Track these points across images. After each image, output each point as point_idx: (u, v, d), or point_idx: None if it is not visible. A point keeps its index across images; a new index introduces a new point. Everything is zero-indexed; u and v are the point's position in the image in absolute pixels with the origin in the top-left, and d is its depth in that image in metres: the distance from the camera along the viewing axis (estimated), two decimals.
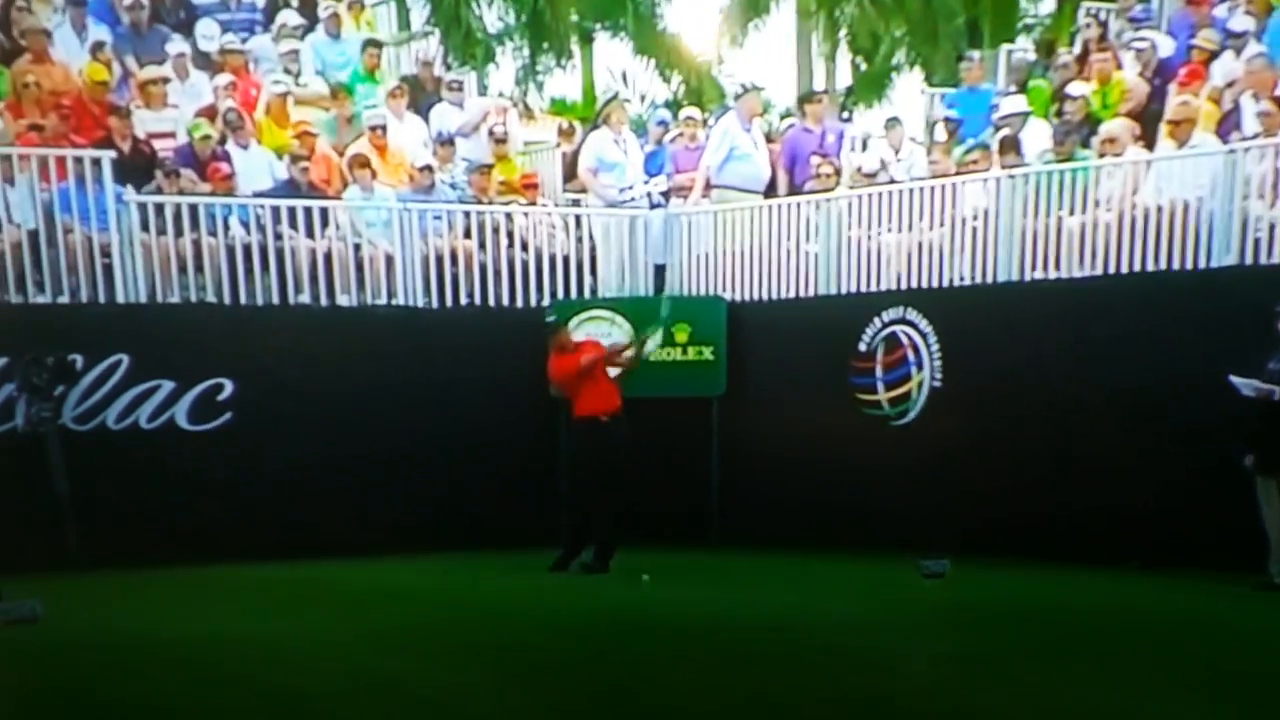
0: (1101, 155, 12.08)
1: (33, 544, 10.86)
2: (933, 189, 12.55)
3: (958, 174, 12.81)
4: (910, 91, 26.49)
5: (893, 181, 13.33)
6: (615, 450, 11.04)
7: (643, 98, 28.92)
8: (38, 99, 12.95)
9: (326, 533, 11.95)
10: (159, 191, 12.51)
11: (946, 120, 14.04)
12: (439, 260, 13.14)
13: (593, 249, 13.93)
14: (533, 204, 13.97)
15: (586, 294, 13.68)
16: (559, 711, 6.64)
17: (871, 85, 28.28)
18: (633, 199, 14.42)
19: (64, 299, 11.85)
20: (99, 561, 11.00)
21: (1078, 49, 14.27)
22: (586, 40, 28.56)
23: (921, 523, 11.76)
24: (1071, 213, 11.81)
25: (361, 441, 12.31)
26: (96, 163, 12.06)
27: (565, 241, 13.79)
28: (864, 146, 14.79)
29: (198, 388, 11.94)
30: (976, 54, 15.88)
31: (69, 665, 7.47)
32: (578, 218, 14.04)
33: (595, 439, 11.09)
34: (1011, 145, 12.70)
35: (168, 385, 11.85)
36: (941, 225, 12.42)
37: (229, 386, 12.02)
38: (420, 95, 15.23)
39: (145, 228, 12.15)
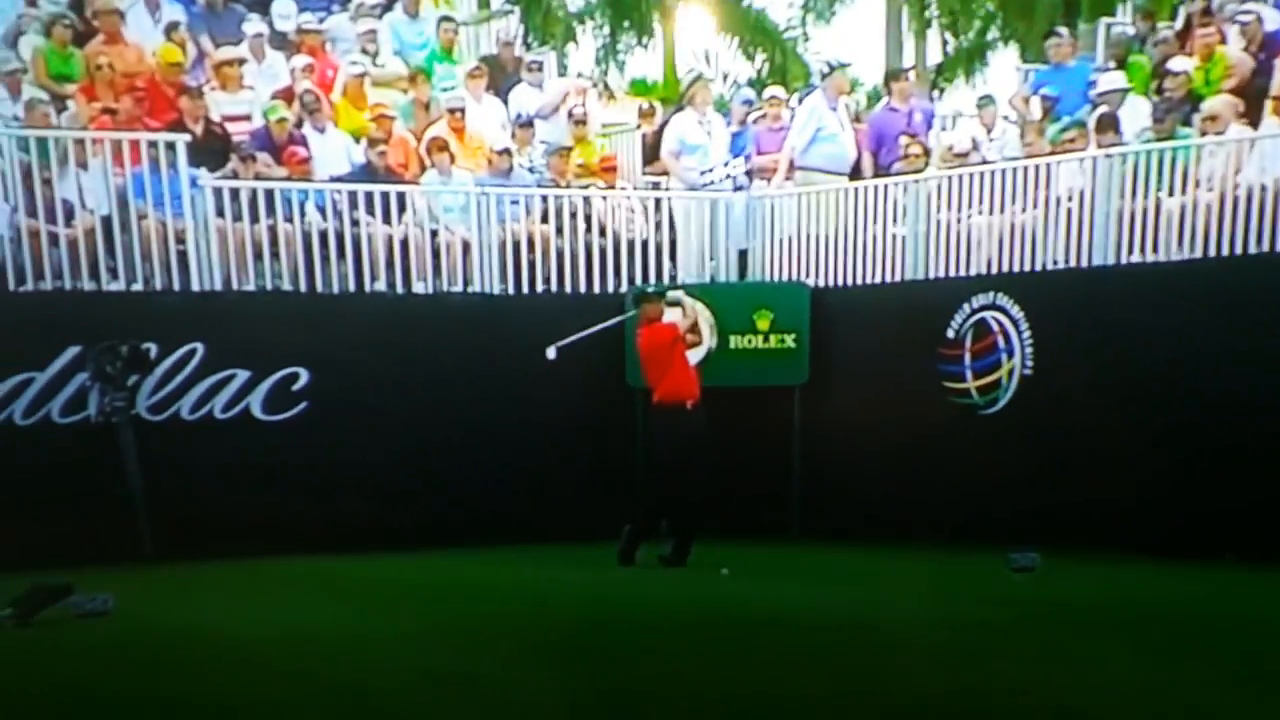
0: (1203, 133, 11.77)
1: (105, 536, 10.97)
2: (1026, 169, 12.31)
3: (1052, 154, 12.56)
4: (1004, 68, 26.17)
5: (984, 162, 13.07)
6: (695, 439, 10.88)
7: (725, 77, 28.80)
8: (111, 81, 13.01)
9: (399, 525, 12.02)
10: (234, 176, 12.50)
11: (1042, 98, 13.73)
12: (515, 246, 13.04)
13: (673, 234, 13.76)
14: (611, 187, 13.85)
15: (665, 280, 13.42)
16: (630, 709, 6.54)
17: (963, 62, 27.83)
18: (712, 182, 14.24)
19: (138, 286, 11.83)
20: (172, 554, 11.13)
21: (1180, 23, 13.97)
22: (668, 18, 28.15)
23: (1010, 515, 11.55)
24: (1171, 193, 11.51)
25: (435, 432, 12.31)
26: (171, 146, 12.01)
27: (644, 226, 13.64)
28: (954, 126, 14.54)
29: (273, 377, 11.93)
30: (1065, 31, 15.47)
31: (137, 660, 7.47)
32: (657, 201, 13.87)
33: (676, 426, 10.93)
34: (1109, 123, 12.40)
35: (242, 375, 11.85)
36: (1035, 207, 12.19)
37: (304, 376, 12.00)
38: (500, 76, 15.16)
39: (220, 213, 12.11)
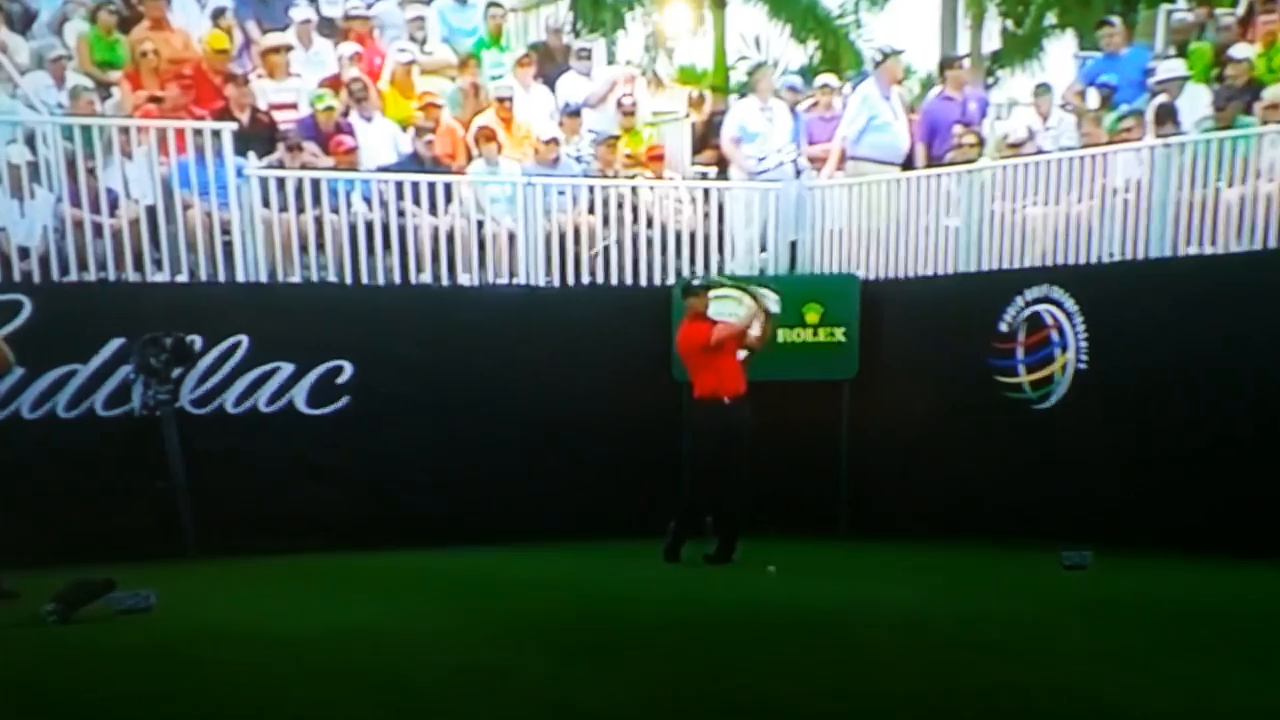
0: (1265, 122, 11.59)
1: (148, 531, 11.05)
2: (1082, 159, 12.18)
3: (1109, 143, 12.39)
4: (1061, 56, 25.88)
5: (1040, 152, 12.93)
6: (738, 436, 10.80)
7: (776, 63, 28.38)
8: (156, 68, 12.98)
9: (442, 520, 12.05)
10: (280, 165, 12.43)
11: (1099, 87, 13.56)
12: (561, 237, 12.99)
13: (721, 225, 13.68)
14: (659, 177, 13.75)
15: (714, 272, 13.29)
16: (674, 708, 6.50)
17: (1019, 50, 27.58)
18: (765, 170, 14.11)
19: (182, 278, 11.81)
20: (215, 549, 11.16)
21: (1242, 9, 13.75)
22: (719, 4, 28.09)
23: (1062, 512, 11.48)
24: (1230, 184, 11.35)
25: (479, 426, 12.27)
26: (217, 135, 11.96)
27: (692, 217, 13.56)
28: (1008, 115, 14.41)
29: (317, 370, 11.91)
30: (1117, 20, 15.28)
31: (179, 657, 7.47)
32: (705, 191, 13.76)
33: (717, 423, 10.84)
34: (1168, 112, 12.25)
35: (287, 368, 11.83)
36: (1091, 198, 12.05)
37: (348, 369, 11.98)
38: (549, 64, 15.09)
39: (266, 204, 12.09)
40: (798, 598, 9.32)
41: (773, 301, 11.03)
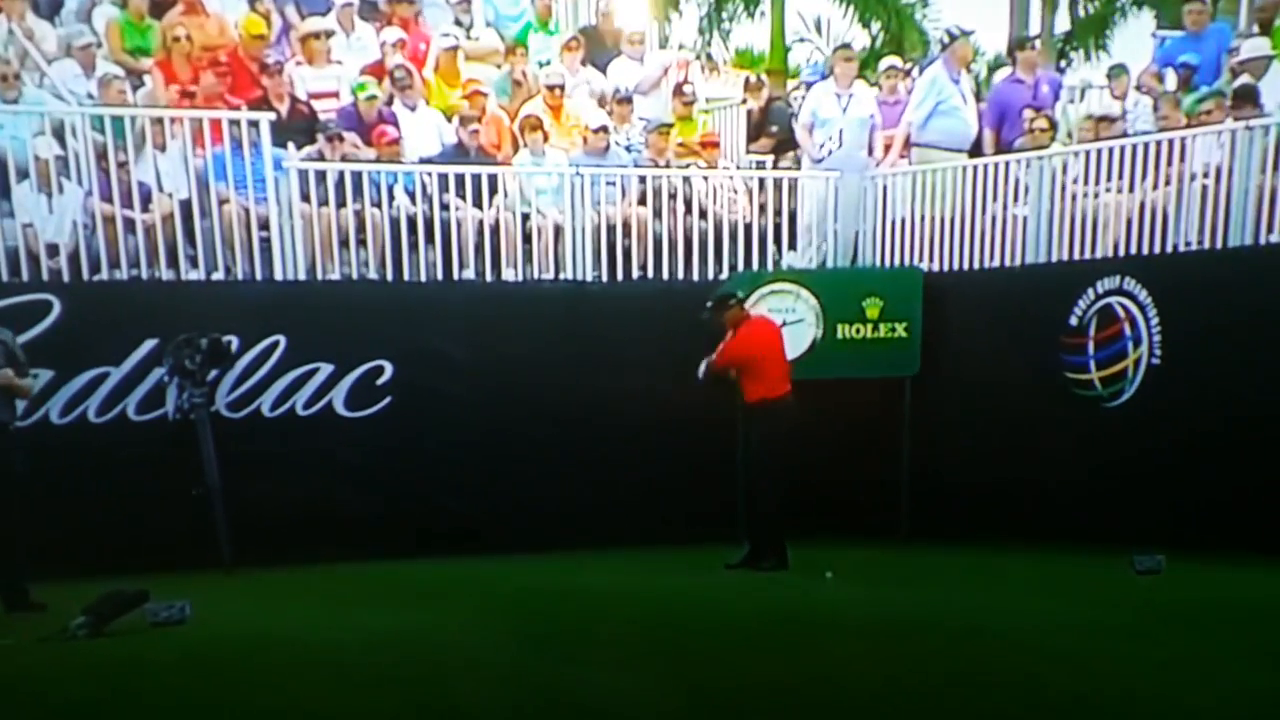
0: None
1: (183, 539, 11.01)
2: (1159, 143, 11.94)
3: (1188, 127, 12.18)
4: (1137, 36, 25.55)
5: (1125, 135, 12.71)
6: (787, 437, 10.74)
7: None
8: (189, 55, 12.94)
9: (489, 526, 12.04)
10: (320, 157, 12.39)
11: (1178, 67, 13.37)
12: (610, 230, 12.89)
13: (778, 216, 13.52)
14: (713, 167, 13.63)
15: (770, 265, 13.30)
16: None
17: (1092, 29, 27.21)
18: (824, 157, 13.93)
19: (218, 276, 11.80)
20: (252, 557, 11.12)
21: None
22: None
23: (1135, 514, 11.36)
24: None
25: (527, 429, 12.25)
26: (254, 125, 11.94)
27: (748, 208, 13.42)
28: (1081, 98, 14.18)
29: (357, 371, 11.89)
30: None
31: (214, 669, 7.42)
32: (760, 181, 13.60)
33: (774, 424, 10.76)
34: (1250, 94, 12.01)
35: (326, 369, 11.82)
36: (1167, 184, 11.86)
37: (389, 369, 11.94)
38: (598, 49, 15.04)
39: (305, 197, 12.06)
40: (858, 604, 9.25)
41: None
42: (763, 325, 11.10)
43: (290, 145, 12.30)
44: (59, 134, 11.59)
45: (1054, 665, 7.26)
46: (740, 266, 13.18)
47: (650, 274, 13.10)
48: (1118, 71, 14.10)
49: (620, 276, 12.98)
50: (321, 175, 12.18)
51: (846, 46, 15.55)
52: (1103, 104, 13.67)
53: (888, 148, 14.00)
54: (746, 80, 16.37)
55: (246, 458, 11.39)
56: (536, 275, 12.77)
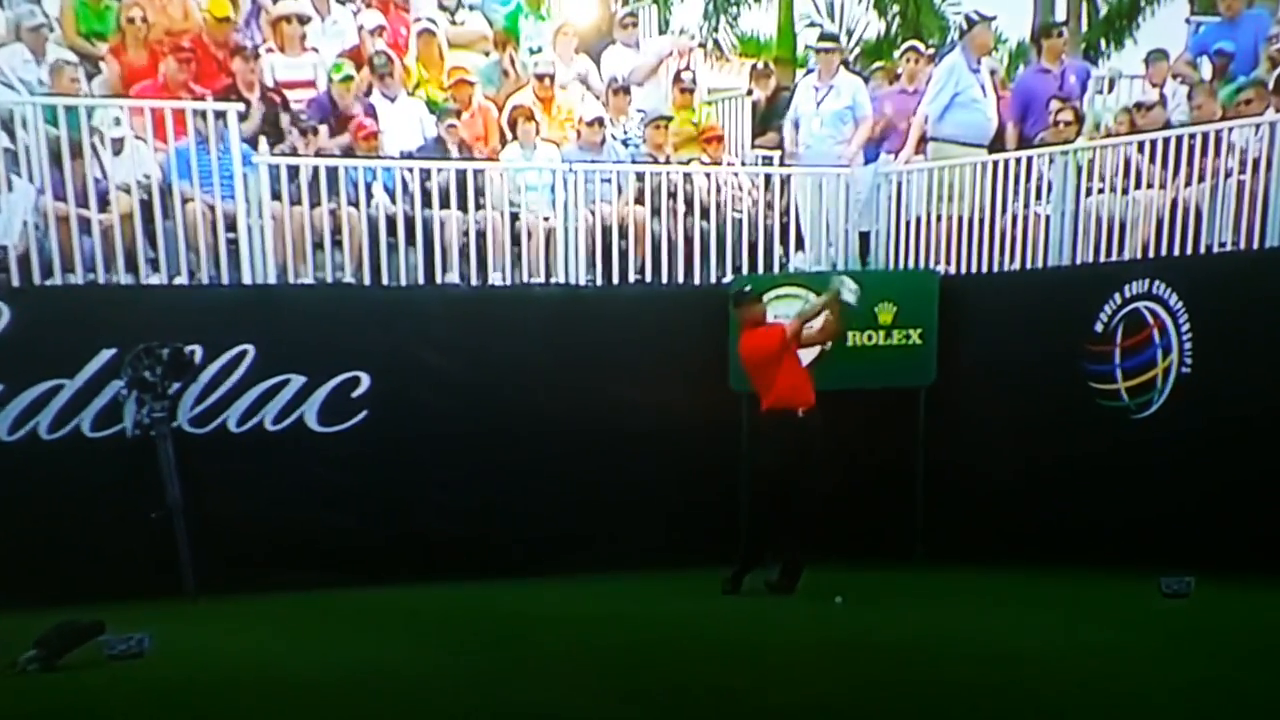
0: None
1: (142, 565, 10.79)
2: (1192, 136, 11.80)
3: (1224, 118, 12.03)
4: (1169, 22, 25.43)
5: (1168, 125, 12.58)
6: (811, 452, 10.55)
7: (850, 33, 28.09)
8: (146, 39, 12.69)
9: (475, 549, 11.85)
10: (293, 152, 12.19)
11: (1213, 54, 13.26)
12: (605, 230, 12.73)
13: (785, 216, 13.44)
14: (716, 162, 13.46)
15: (777, 268, 13.18)
16: None
17: (1122, 15, 27.10)
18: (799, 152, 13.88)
19: (181, 280, 11.58)
20: (217, 584, 10.93)
21: None
22: None
23: (1163, 533, 11.11)
24: None
25: (516, 444, 12.03)
26: (221, 117, 11.72)
27: (753, 206, 13.28)
28: (1110, 89, 14.00)
29: (330, 383, 11.65)
30: None
31: (177, 707, 7.33)
32: (767, 178, 13.47)
33: (788, 437, 10.57)
34: None
35: (298, 380, 11.56)
36: (1200, 180, 11.71)
37: (365, 380, 11.71)
38: (594, 36, 15.02)
39: (276, 195, 11.84)
40: (869, 630, 9.24)
41: (849, 291, 10.62)
42: (751, 335, 10.91)
43: (260, 139, 12.03)
44: (7, 126, 11.35)
45: (1076, 691, 7.27)
46: (745, 269, 13.03)
47: (648, 278, 12.93)
48: (1157, 56, 13.95)
49: (616, 280, 12.81)
50: (294, 171, 11.94)
51: (828, 37, 15.49)
52: (1133, 95, 13.52)
53: (878, 140, 13.90)
54: (753, 68, 16.20)
55: (211, 477, 11.21)
56: (526, 279, 12.60)
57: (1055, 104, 13.22)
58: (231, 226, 11.79)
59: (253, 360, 11.47)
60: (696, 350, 12.04)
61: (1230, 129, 11.78)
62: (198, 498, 11.08)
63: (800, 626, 9.57)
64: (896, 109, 14.07)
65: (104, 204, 11.47)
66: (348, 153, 12.55)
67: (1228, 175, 11.65)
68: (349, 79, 12.89)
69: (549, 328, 12.29)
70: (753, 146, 14.48)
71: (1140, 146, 12.18)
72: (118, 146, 11.59)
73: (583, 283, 12.74)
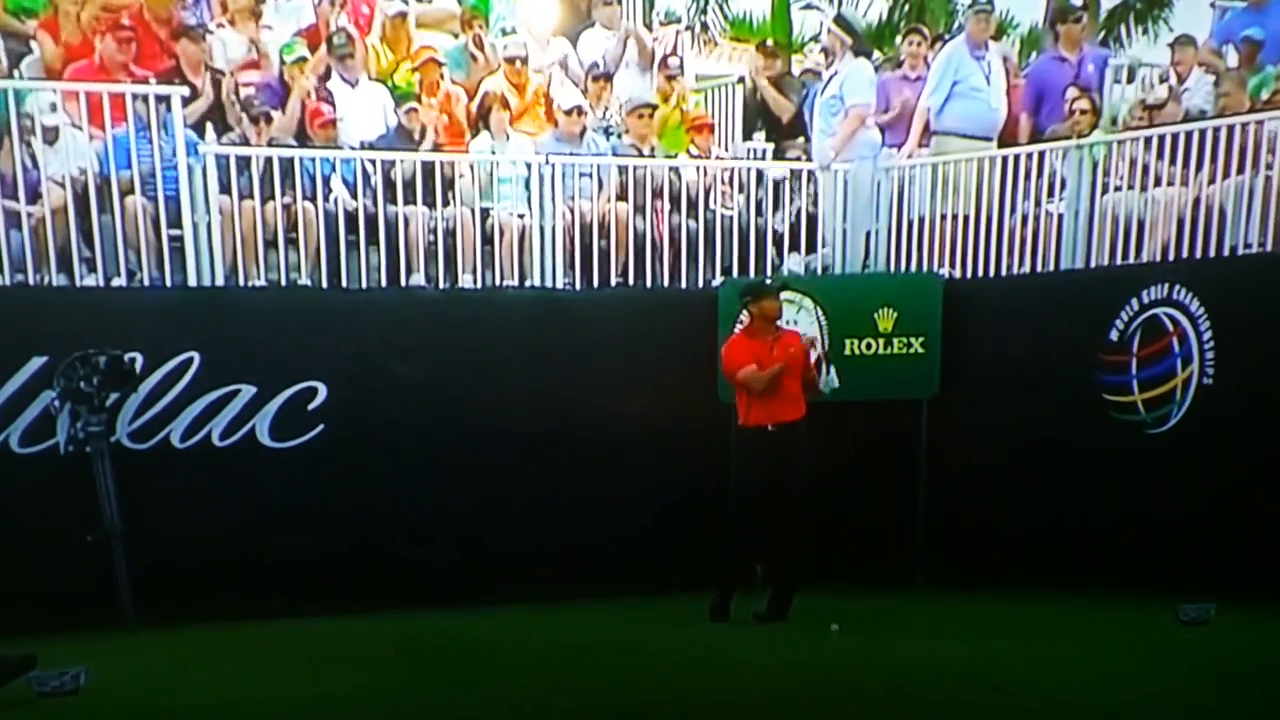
0: None
1: (77, 593, 10.64)
2: (1217, 129, 11.64)
3: (1252, 110, 11.84)
4: (1192, 7, 25.40)
5: (1189, 118, 12.44)
6: (789, 470, 10.50)
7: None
8: (81, 16, 12.38)
9: (442, 574, 11.77)
10: (244, 141, 12.00)
11: (1240, 42, 13.07)
12: (585, 229, 12.59)
13: (778, 213, 13.30)
14: (705, 155, 13.34)
15: (768, 271, 13.02)
16: None
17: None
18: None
19: (120, 281, 11.38)
20: (159, 613, 10.80)
21: None
22: None
23: (1180, 556, 11.03)
24: None
25: (487, 460, 11.94)
26: (164, 102, 11.47)
27: (745, 204, 13.15)
28: (1130, 78, 13.84)
29: (284, 394, 11.49)
30: None
31: None
32: (759, 173, 13.36)
33: (760, 454, 10.61)
34: None
35: (248, 391, 11.40)
36: (1225, 177, 11.54)
37: (322, 391, 11.56)
38: (573, 17, 14.91)
39: (225, 189, 11.65)
40: (868, 660, 9.24)
41: (826, 384, 10.80)
42: (731, 342, 10.89)
43: (207, 126, 11.87)
44: None
45: None
46: (735, 271, 12.90)
47: (631, 280, 12.79)
48: (1184, 42, 13.79)
49: (596, 283, 12.68)
50: (245, 162, 11.76)
51: (841, 22, 15.36)
52: (1155, 89, 13.33)
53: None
54: (759, 46, 16.04)
55: (153, 497, 11.03)
56: (499, 281, 12.44)
57: (1072, 91, 13.10)
58: (175, 223, 11.60)
59: (199, 369, 11.31)
60: (683, 360, 11.93)
61: (1260, 121, 11.55)
62: (138, 519, 10.90)
63: (793, 656, 9.52)
64: (897, 99, 13.88)
65: (34, 197, 11.23)
66: (303, 142, 12.27)
67: (1256, 171, 11.48)
68: (303, 60, 12.64)
69: (523, 335, 12.22)
70: (746, 139, 14.48)
71: (1161, 140, 12.01)
72: (50, 135, 11.28)
73: (560, 285, 12.64)
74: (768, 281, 11.21)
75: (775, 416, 10.56)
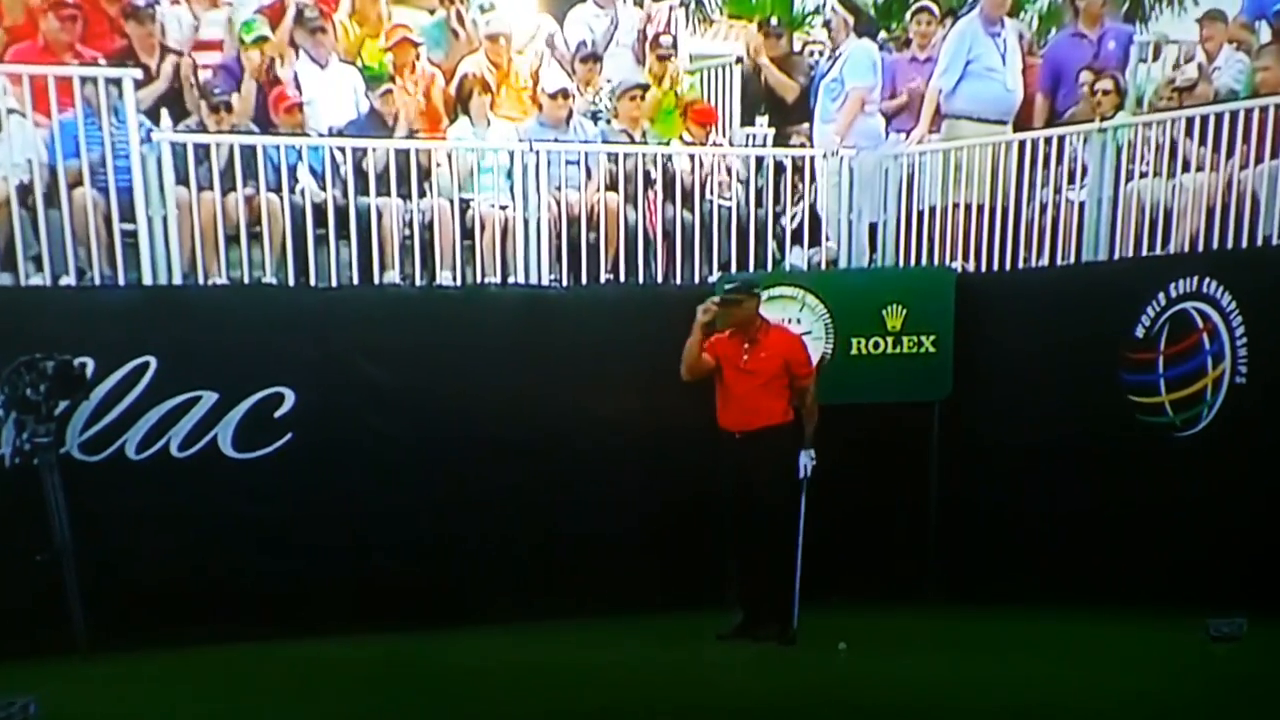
0: None
1: (25, 616, 10.48)
2: (1249, 111, 11.42)
3: None
4: None
5: (1218, 99, 12.26)
6: (750, 483, 10.66)
7: None
8: None
9: (420, 592, 11.59)
10: (202, 128, 11.78)
11: (1272, 16, 12.76)
12: (572, 222, 12.44)
13: (779, 204, 13.18)
14: (701, 142, 13.13)
15: (769, 265, 12.95)
16: None
17: None
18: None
19: (68, 280, 11.17)
20: (113, 638, 10.60)
21: None
22: None
23: (1210, 568, 10.91)
24: None
25: (467, 470, 11.74)
26: (116, 85, 11.25)
27: (744, 194, 13.02)
28: (1156, 56, 13.68)
29: (248, 401, 11.27)
30: None
31: None
32: (759, 161, 13.21)
33: (724, 459, 10.81)
34: None
35: (209, 398, 11.17)
36: (1259, 162, 11.34)
37: (290, 398, 11.34)
38: None
39: (183, 179, 11.41)
40: (877, 681, 9.30)
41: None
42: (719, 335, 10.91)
43: (162, 112, 11.63)
44: None
45: None
46: (733, 267, 12.75)
47: (622, 276, 12.67)
48: (1214, 16, 13.58)
49: (585, 279, 12.54)
50: (204, 151, 11.55)
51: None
52: (1184, 70, 13.12)
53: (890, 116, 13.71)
54: (761, 24, 15.80)
55: (106, 512, 10.82)
56: (480, 278, 12.30)
57: (1088, 74, 12.99)
58: (128, 216, 11.40)
59: (155, 375, 11.11)
60: (678, 361, 11.46)
61: None
62: (91, 537, 10.70)
63: (798, 677, 9.62)
64: (905, 80, 13.81)
65: None
66: (267, 128, 12.08)
67: None
68: (263, 40, 12.46)
69: (507, 335, 12.05)
70: (745, 124, 14.38)
71: (1189, 122, 11.85)
72: None
73: (546, 282, 12.50)
74: (729, 286, 11.05)
75: (745, 423, 10.67)
